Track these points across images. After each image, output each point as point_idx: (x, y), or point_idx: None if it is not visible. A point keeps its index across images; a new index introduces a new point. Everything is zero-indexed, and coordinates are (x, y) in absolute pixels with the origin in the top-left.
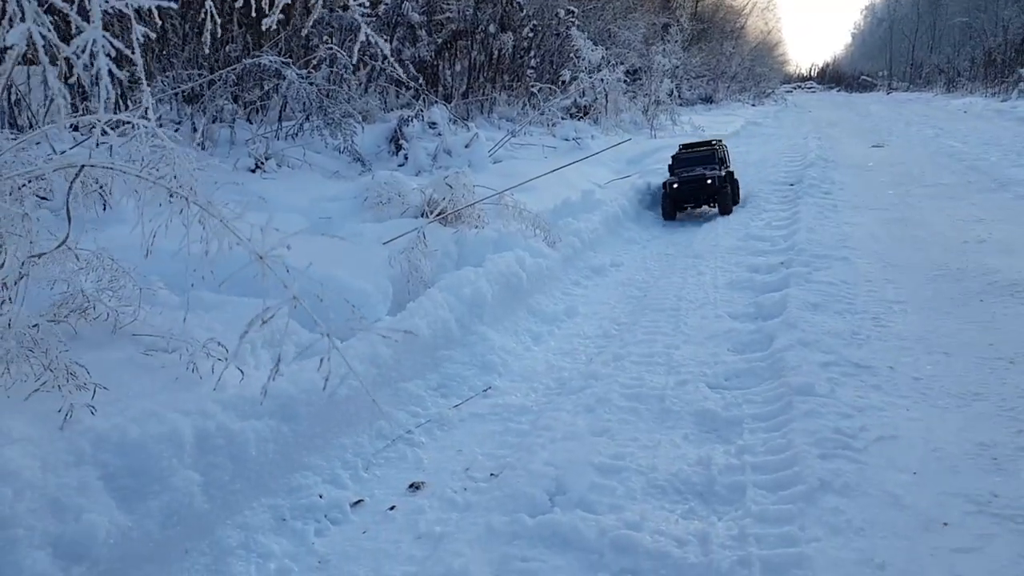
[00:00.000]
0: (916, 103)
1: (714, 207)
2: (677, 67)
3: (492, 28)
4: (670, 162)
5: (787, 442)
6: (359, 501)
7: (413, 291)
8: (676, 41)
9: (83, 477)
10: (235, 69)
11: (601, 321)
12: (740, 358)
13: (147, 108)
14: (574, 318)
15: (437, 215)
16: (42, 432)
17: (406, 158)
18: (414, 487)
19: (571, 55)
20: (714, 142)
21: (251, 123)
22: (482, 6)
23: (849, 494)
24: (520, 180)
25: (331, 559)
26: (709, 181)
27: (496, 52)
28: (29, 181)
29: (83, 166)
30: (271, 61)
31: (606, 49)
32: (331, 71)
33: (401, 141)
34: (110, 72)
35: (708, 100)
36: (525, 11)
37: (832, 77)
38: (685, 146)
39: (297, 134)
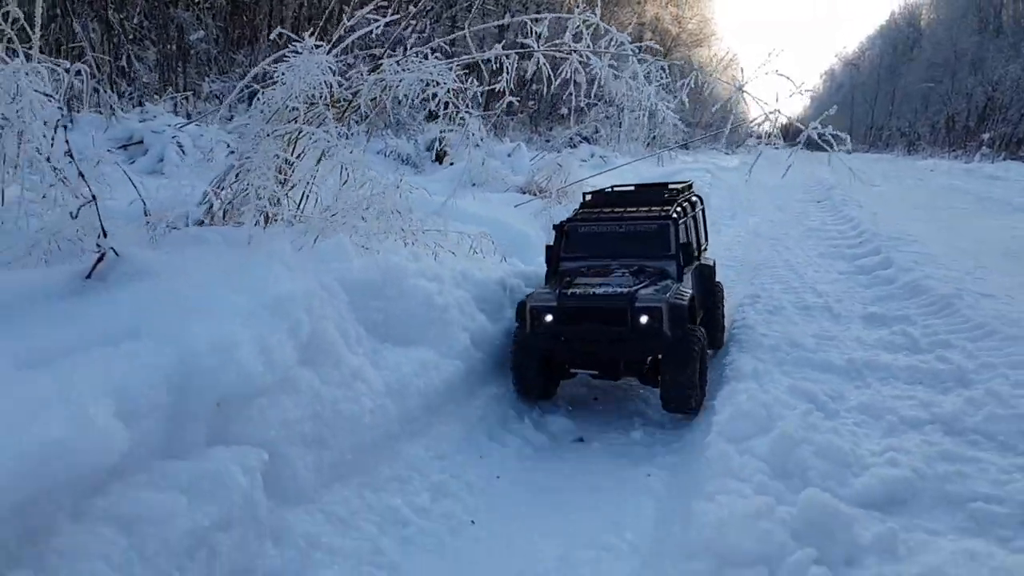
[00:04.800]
0: (881, 162)
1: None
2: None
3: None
4: (557, 236)
5: (965, 318)
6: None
7: None
8: (693, 68)
9: (464, 296)
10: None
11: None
12: (876, 289)
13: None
14: None
15: (548, 191)
16: (428, 263)
17: (451, 164)
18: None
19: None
20: (676, 187)
21: None
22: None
23: None
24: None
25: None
26: (645, 319)
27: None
28: None
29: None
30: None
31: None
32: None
33: (444, 148)
34: None
35: (684, 146)
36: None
37: (795, 136)
38: (597, 195)
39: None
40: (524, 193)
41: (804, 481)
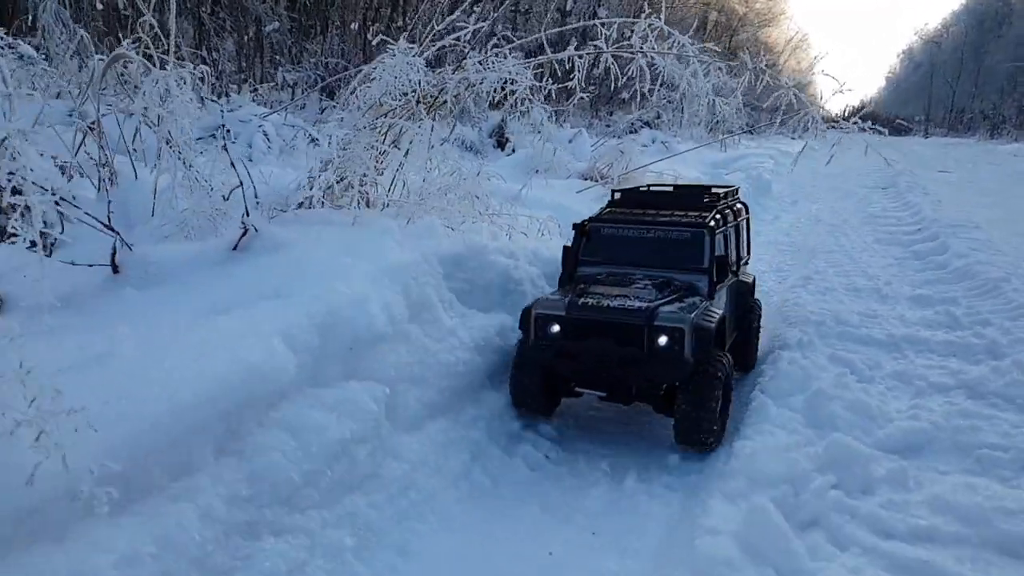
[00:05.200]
0: (959, 147)
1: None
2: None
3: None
4: (576, 236)
5: (1008, 300)
6: None
7: None
8: (747, 68)
9: (536, 271)
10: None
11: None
12: (926, 273)
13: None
14: None
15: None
16: (504, 242)
17: (513, 150)
18: None
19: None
20: (718, 191)
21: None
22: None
23: None
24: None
25: None
26: (664, 340)
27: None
28: None
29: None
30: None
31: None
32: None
33: (507, 135)
34: None
35: (749, 130)
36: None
37: (867, 119)
38: (628, 193)
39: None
40: (586, 179)
41: (833, 429)
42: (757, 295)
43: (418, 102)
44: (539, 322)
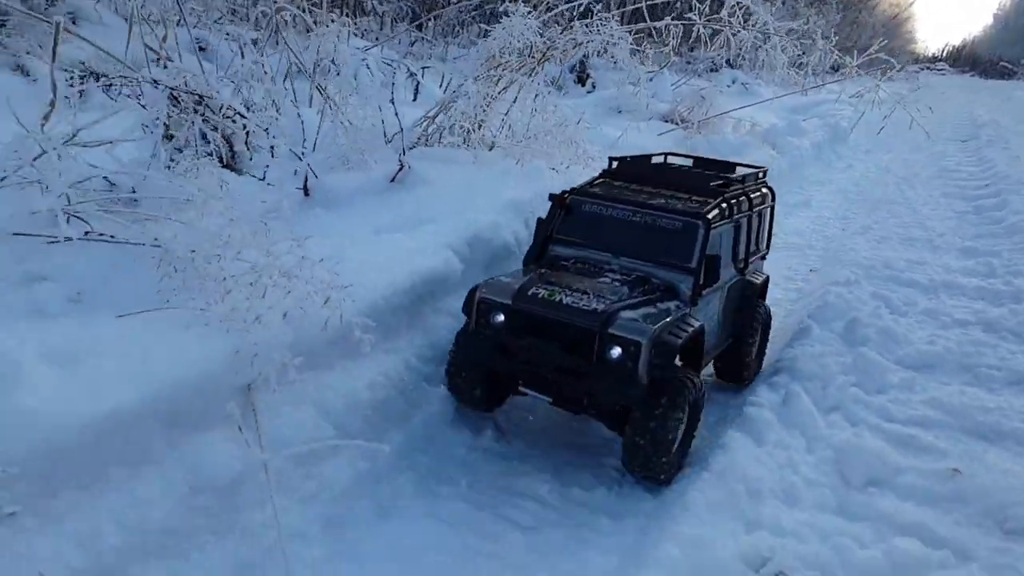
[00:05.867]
0: None
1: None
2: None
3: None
4: (553, 208)
5: None
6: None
7: None
8: (832, 4)
9: None
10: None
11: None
12: (981, 228)
13: None
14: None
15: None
16: None
17: (594, 86)
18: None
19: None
20: (737, 176)
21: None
22: None
23: None
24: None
25: None
26: (616, 353)
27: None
28: None
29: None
30: None
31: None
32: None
33: (588, 72)
34: None
35: (835, 70)
36: None
37: (967, 60)
38: (627, 164)
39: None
40: (667, 122)
41: (862, 347)
42: (769, 300)
43: (531, 56)
44: (482, 308)
